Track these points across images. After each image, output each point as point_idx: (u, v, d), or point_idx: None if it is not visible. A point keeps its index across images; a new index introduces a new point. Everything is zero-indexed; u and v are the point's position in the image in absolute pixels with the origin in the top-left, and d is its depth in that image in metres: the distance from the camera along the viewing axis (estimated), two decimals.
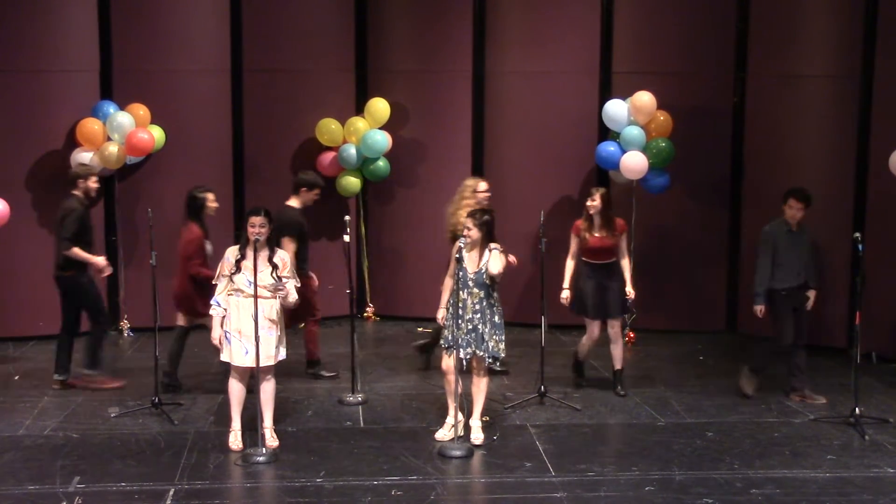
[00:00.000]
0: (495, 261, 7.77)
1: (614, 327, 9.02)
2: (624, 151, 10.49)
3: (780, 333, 8.81)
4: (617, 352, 9.07)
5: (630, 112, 10.46)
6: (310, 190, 9.29)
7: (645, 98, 10.40)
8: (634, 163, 10.40)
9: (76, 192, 9.04)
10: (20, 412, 8.58)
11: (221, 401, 8.49)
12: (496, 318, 7.88)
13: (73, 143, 10.52)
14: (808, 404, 8.80)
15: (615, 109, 10.52)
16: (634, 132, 10.45)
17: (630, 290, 8.94)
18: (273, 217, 7.77)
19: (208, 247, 8.95)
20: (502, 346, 7.94)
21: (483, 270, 7.81)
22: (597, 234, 8.91)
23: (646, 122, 10.46)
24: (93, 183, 9.13)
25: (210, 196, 9.03)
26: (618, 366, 9.10)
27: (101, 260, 9.04)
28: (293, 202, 9.25)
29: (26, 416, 8.50)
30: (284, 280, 7.71)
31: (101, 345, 9.23)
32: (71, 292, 9.02)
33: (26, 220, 10.43)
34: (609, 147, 10.57)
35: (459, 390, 7.80)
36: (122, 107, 10.50)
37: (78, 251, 8.86)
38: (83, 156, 10.40)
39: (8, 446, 7.82)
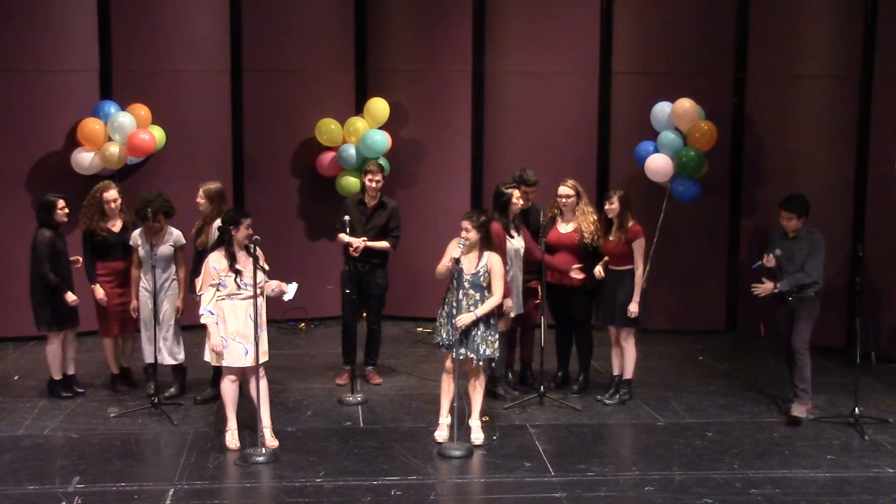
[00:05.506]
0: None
1: (613, 335, 8.95)
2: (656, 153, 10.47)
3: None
4: (616, 359, 8.97)
5: (671, 116, 10.39)
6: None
7: (686, 105, 10.32)
8: (658, 165, 10.37)
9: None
10: (20, 412, 8.59)
11: (221, 401, 8.49)
12: (490, 318, 7.89)
13: (73, 143, 10.52)
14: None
15: (661, 110, 10.46)
16: (670, 136, 10.39)
17: (632, 308, 8.66)
18: None
19: (516, 242, 8.79)
20: (496, 345, 7.94)
21: (480, 273, 7.82)
22: (611, 238, 8.78)
23: (687, 129, 10.39)
24: (368, 180, 9.24)
25: (516, 193, 8.84)
26: (615, 371, 9.02)
27: (342, 238, 9.13)
28: None
29: (26, 416, 8.51)
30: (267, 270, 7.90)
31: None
32: None
33: (26, 221, 10.40)
34: (648, 147, 10.53)
35: (453, 392, 7.81)
36: (122, 107, 10.49)
37: (340, 236, 9.19)
38: (84, 156, 10.40)
39: (8, 446, 7.84)
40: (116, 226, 9.03)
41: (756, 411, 8.77)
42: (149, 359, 8.84)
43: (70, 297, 8.77)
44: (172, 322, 8.85)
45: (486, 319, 7.87)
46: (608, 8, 11.19)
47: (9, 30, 10.40)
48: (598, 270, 8.79)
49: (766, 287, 8.43)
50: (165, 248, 8.80)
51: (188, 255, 8.97)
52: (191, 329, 9.00)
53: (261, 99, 11.33)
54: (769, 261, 8.47)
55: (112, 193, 8.97)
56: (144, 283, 8.77)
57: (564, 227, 9.04)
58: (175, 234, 8.88)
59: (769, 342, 10.80)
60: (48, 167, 10.58)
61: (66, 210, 8.91)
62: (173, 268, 8.86)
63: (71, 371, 9.07)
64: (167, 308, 8.81)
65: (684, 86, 10.71)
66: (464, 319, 7.77)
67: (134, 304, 8.88)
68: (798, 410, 8.45)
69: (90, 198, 9.02)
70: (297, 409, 8.74)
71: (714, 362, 10.33)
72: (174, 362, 8.93)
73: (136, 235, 8.83)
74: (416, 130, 11.50)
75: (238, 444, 7.80)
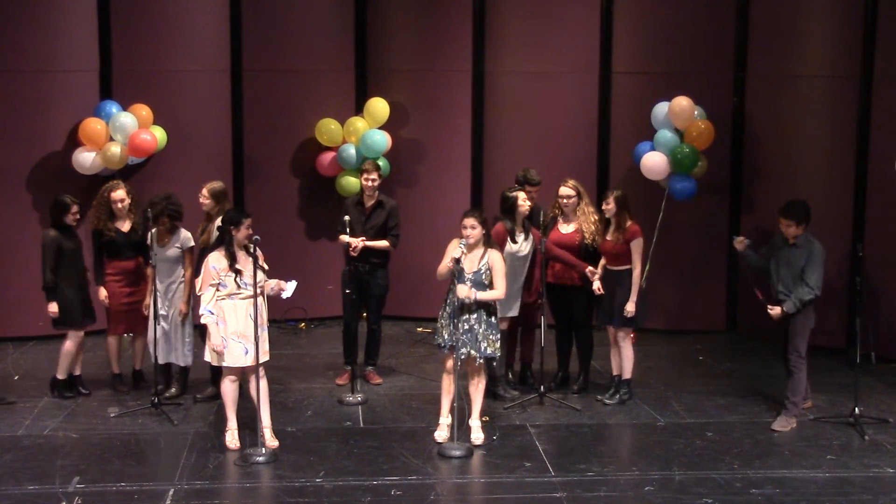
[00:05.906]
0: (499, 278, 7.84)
1: (612, 335, 8.94)
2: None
3: None
4: (615, 359, 8.97)
5: (668, 115, 10.39)
6: None
7: (683, 103, 10.31)
8: (654, 163, 10.39)
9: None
10: (20, 412, 8.59)
11: (221, 401, 8.48)
12: (492, 318, 7.89)
13: (73, 143, 10.52)
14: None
15: (661, 110, 10.46)
16: (667, 135, 10.39)
17: (629, 308, 8.67)
18: None
19: (515, 246, 8.77)
20: (497, 345, 7.95)
21: (482, 271, 7.82)
22: (609, 238, 8.78)
23: (684, 127, 10.39)
24: (364, 179, 9.21)
25: (521, 195, 8.78)
26: (614, 371, 9.02)
27: (342, 238, 9.13)
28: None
29: (26, 416, 8.51)
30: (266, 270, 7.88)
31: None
32: None
33: (26, 221, 10.43)
34: (647, 147, 10.54)
35: (453, 393, 7.79)
36: (124, 107, 10.49)
37: (340, 237, 9.14)
38: (85, 156, 10.40)
39: (8, 446, 7.84)
40: (125, 226, 9.03)
41: (756, 411, 8.77)
42: (150, 358, 8.84)
43: (52, 307, 8.75)
44: (181, 324, 8.85)
45: (487, 318, 7.87)
46: (608, 8, 11.19)
47: (9, 30, 10.40)
48: (598, 287, 8.78)
49: (775, 312, 8.35)
50: (171, 251, 8.80)
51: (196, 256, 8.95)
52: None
53: (261, 99, 11.34)
54: (739, 243, 8.50)
55: (119, 193, 8.97)
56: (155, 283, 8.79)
57: (565, 228, 9.04)
58: (182, 237, 8.86)
59: (769, 343, 10.82)
60: (49, 167, 10.58)
61: (78, 217, 8.93)
62: (181, 270, 8.86)
63: (77, 372, 9.07)
64: (175, 311, 8.83)
65: (684, 86, 10.71)
66: (463, 290, 7.74)
67: (147, 301, 8.88)
68: (780, 424, 8.36)
69: (99, 198, 9.02)
70: (297, 409, 8.74)
71: (714, 362, 10.33)
72: (182, 364, 8.93)
73: (151, 235, 8.84)
74: (416, 130, 11.50)
75: (238, 444, 7.80)
